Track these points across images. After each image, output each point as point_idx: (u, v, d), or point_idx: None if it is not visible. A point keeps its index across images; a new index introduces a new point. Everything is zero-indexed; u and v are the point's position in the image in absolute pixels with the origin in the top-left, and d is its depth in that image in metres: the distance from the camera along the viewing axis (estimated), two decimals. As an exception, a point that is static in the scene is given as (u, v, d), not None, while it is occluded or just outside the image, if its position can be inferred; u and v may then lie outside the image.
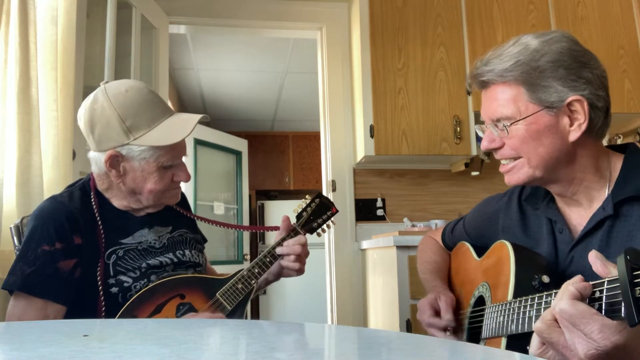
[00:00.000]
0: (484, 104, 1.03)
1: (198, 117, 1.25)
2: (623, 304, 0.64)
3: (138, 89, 1.25)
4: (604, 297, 0.68)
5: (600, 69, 0.97)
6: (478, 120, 2.77)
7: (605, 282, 0.69)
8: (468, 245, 1.27)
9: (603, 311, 0.68)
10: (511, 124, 0.97)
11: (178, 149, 1.26)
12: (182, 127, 1.23)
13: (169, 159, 1.24)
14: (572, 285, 0.72)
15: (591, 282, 0.72)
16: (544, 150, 0.96)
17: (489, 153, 2.85)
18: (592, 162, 0.98)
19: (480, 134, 1.07)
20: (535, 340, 0.77)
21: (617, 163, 0.98)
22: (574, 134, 0.94)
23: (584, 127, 0.94)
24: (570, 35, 0.98)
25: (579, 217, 1.01)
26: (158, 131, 1.22)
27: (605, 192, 0.96)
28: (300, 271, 1.35)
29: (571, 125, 0.95)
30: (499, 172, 1.04)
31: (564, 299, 0.71)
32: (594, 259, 0.72)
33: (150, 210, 1.32)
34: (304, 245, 1.34)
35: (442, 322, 1.14)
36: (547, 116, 0.95)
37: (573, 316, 0.69)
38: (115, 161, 1.22)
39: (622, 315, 0.64)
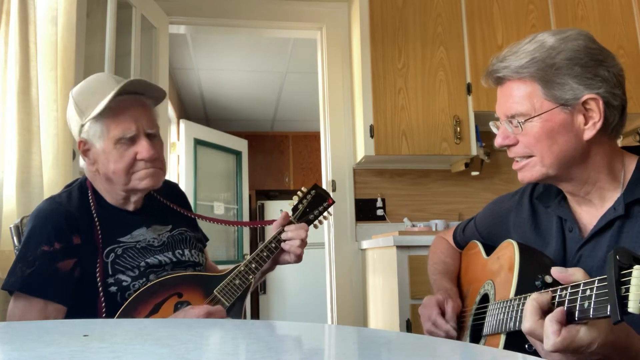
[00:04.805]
0: (499, 101, 1.04)
1: (131, 79, 1.24)
2: (609, 302, 0.65)
3: (97, 75, 1.29)
4: (593, 295, 0.70)
5: (617, 67, 0.96)
6: (478, 120, 2.78)
7: (596, 281, 0.70)
8: (479, 244, 1.27)
9: (592, 309, 0.69)
10: (526, 121, 0.97)
11: (126, 119, 1.22)
12: (113, 89, 1.20)
13: (120, 130, 1.21)
14: (551, 333, 0.73)
15: (583, 280, 0.74)
16: (558, 148, 0.96)
17: (489, 153, 2.87)
18: (606, 162, 0.97)
19: (494, 130, 1.07)
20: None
21: (630, 164, 0.98)
22: (589, 133, 0.94)
23: (598, 125, 0.93)
24: (587, 33, 0.98)
25: (589, 216, 1.01)
26: (101, 103, 1.20)
27: (618, 193, 0.96)
28: (299, 257, 1.35)
29: (586, 123, 0.94)
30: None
31: (550, 343, 0.73)
32: (556, 273, 0.78)
33: (135, 199, 1.29)
34: (307, 232, 1.35)
35: (444, 328, 1.14)
36: (562, 114, 0.95)
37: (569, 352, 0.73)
38: (85, 150, 1.26)
39: (608, 312, 0.66)
